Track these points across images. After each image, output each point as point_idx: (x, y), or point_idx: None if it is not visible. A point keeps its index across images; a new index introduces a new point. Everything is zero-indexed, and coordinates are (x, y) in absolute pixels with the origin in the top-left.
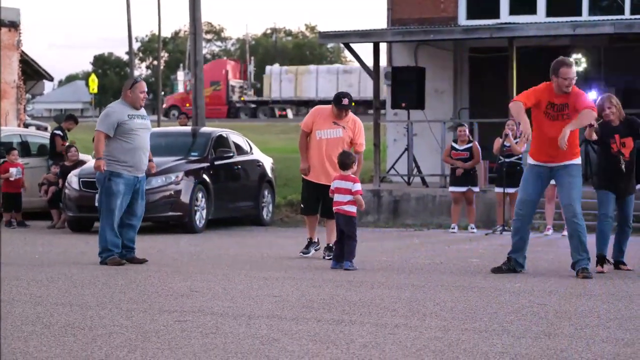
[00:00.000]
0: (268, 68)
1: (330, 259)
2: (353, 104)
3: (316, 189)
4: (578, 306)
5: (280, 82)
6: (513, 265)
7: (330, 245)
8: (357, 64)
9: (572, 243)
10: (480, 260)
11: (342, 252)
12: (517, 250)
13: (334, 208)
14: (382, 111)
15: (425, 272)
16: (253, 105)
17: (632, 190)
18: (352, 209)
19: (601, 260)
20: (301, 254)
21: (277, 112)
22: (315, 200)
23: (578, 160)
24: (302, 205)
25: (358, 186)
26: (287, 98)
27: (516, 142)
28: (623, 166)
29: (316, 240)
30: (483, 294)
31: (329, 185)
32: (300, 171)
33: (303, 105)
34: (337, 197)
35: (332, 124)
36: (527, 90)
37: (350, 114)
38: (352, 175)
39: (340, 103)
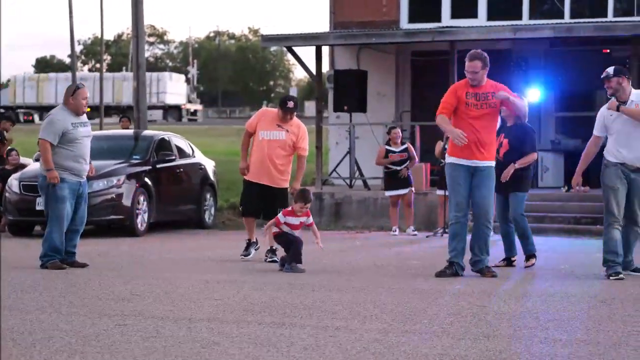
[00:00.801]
0: (12, 76)
1: (272, 261)
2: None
3: (256, 189)
4: (517, 308)
5: (24, 88)
6: (456, 269)
7: (273, 247)
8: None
9: (475, 242)
10: (421, 263)
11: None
12: (459, 254)
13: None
14: (325, 114)
15: (366, 274)
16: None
17: (518, 188)
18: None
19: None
20: (242, 257)
21: (23, 117)
22: (256, 201)
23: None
24: (241, 207)
25: (311, 219)
26: (30, 104)
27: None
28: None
29: (255, 240)
30: (423, 296)
31: (270, 186)
32: (239, 170)
33: (45, 110)
34: (285, 228)
35: (277, 127)
36: (443, 98)
37: (295, 119)
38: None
39: (286, 106)
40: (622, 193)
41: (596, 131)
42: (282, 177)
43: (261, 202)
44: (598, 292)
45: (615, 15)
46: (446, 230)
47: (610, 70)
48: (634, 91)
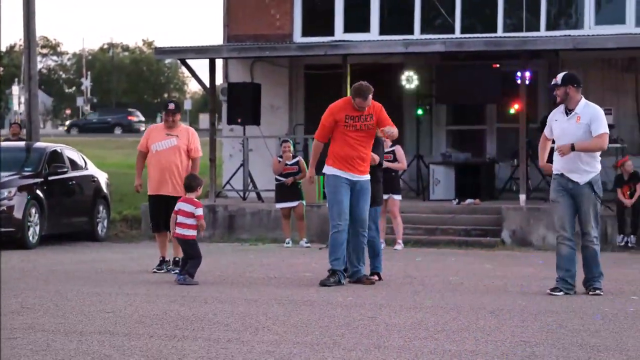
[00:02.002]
0: None
1: (176, 273)
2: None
3: (161, 202)
4: (407, 319)
5: None
6: (339, 277)
7: (177, 259)
8: None
9: (354, 253)
10: (313, 274)
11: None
12: (341, 263)
13: (176, 229)
14: (219, 126)
15: (259, 286)
16: None
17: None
18: (191, 232)
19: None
20: (154, 270)
21: None
22: (164, 215)
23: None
24: (151, 224)
25: (200, 211)
26: None
27: None
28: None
29: (168, 260)
30: (315, 307)
31: (171, 196)
32: (135, 188)
33: None
34: (179, 219)
35: (166, 136)
36: (321, 123)
37: (182, 125)
38: (196, 200)
39: (167, 108)
40: (563, 206)
41: (545, 131)
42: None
43: (168, 213)
44: (487, 303)
45: (505, 31)
46: None
47: (559, 78)
48: (582, 102)
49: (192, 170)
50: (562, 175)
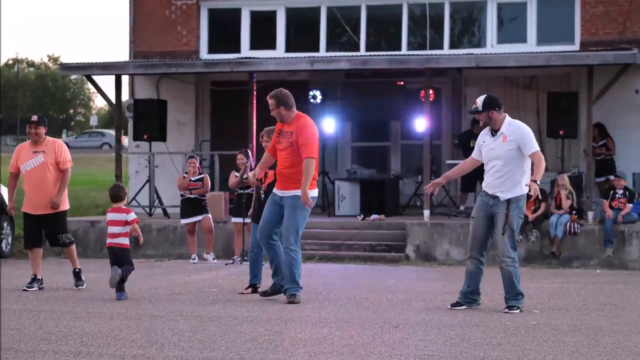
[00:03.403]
0: None
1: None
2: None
3: (36, 220)
4: (313, 333)
5: None
6: (278, 287)
7: (38, 277)
8: None
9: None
10: (219, 290)
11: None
12: (276, 273)
13: (108, 240)
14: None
15: (164, 302)
16: None
17: None
18: (125, 241)
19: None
20: (24, 289)
21: None
22: (36, 232)
23: (299, 192)
24: (24, 240)
25: (132, 215)
26: None
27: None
28: (262, 195)
29: (40, 278)
30: (221, 323)
31: (49, 214)
32: (8, 211)
33: None
34: (111, 229)
35: (33, 154)
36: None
37: (48, 139)
38: (124, 207)
39: (30, 120)
40: (476, 225)
41: (474, 154)
42: (57, 200)
43: (41, 231)
44: (391, 317)
45: (409, 49)
46: (245, 258)
47: (479, 104)
48: (506, 121)
49: (62, 181)
50: (486, 193)
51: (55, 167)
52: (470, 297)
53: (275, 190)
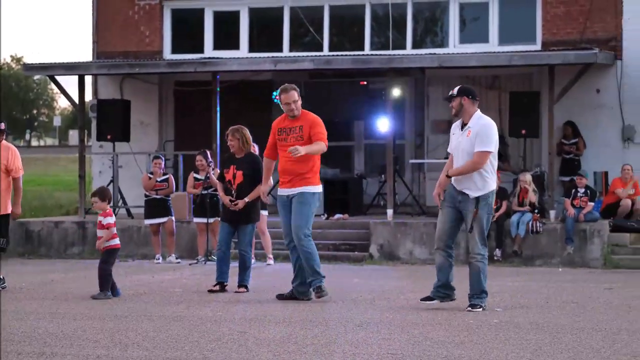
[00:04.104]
0: None
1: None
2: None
3: None
4: (277, 333)
5: None
6: (295, 292)
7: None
8: None
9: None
10: (183, 290)
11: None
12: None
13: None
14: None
15: (129, 302)
16: None
17: (247, 220)
18: (115, 241)
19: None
20: None
21: None
22: None
23: (312, 189)
24: None
25: (109, 219)
26: None
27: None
28: (233, 194)
29: (2, 277)
30: (185, 323)
31: None
32: None
33: None
34: (99, 233)
35: None
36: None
37: (3, 143)
38: (106, 210)
39: None
40: (444, 217)
41: (449, 148)
42: (17, 211)
43: None
44: (355, 316)
45: (372, 49)
46: (209, 257)
47: (455, 89)
48: (476, 115)
49: (17, 191)
50: (454, 187)
51: (5, 173)
52: (442, 291)
53: (281, 191)
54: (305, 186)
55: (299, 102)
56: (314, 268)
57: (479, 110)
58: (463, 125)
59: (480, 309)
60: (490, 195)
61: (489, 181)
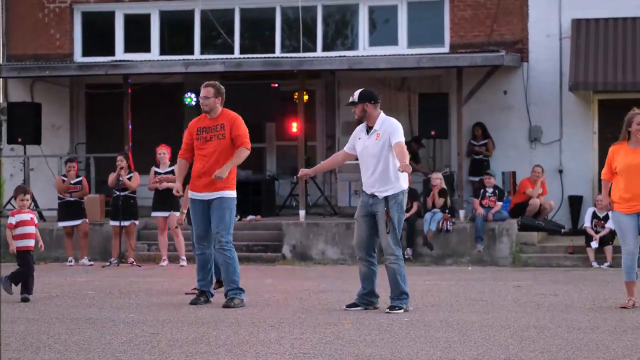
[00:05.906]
0: None
1: None
2: None
3: None
4: (189, 334)
5: None
6: (208, 297)
7: None
8: None
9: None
10: (96, 292)
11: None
12: (209, 284)
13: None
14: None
15: (40, 305)
16: None
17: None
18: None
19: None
20: None
21: None
22: None
23: (232, 193)
24: None
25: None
26: None
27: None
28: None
29: None
30: (97, 325)
31: None
32: None
33: None
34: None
35: None
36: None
37: None
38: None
39: None
40: (359, 227)
41: (346, 147)
42: None
43: None
44: (267, 317)
45: (283, 52)
46: (123, 260)
47: (356, 96)
48: (380, 117)
49: None
50: (365, 193)
51: None
52: (367, 298)
53: (197, 195)
54: (224, 190)
55: (212, 100)
56: (234, 280)
57: (382, 112)
58: (369, 128)
59: (401, 311)
60: (400, 195)
61: (397, 181)
